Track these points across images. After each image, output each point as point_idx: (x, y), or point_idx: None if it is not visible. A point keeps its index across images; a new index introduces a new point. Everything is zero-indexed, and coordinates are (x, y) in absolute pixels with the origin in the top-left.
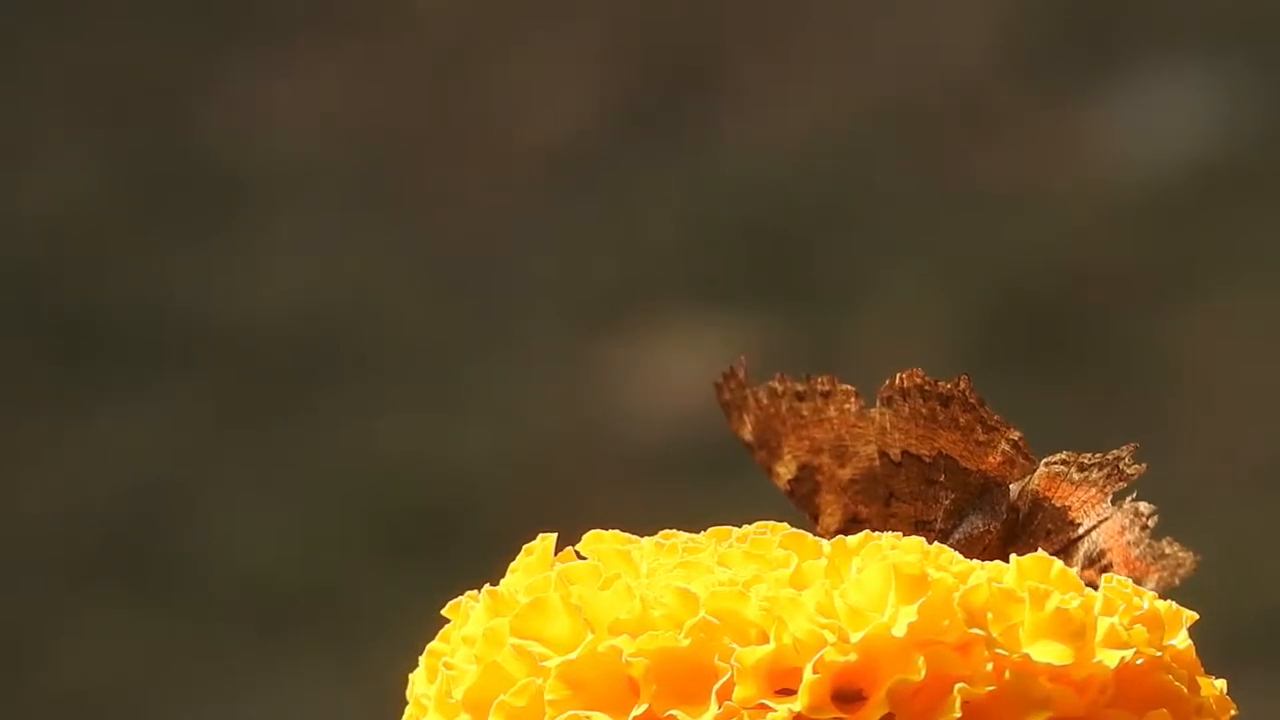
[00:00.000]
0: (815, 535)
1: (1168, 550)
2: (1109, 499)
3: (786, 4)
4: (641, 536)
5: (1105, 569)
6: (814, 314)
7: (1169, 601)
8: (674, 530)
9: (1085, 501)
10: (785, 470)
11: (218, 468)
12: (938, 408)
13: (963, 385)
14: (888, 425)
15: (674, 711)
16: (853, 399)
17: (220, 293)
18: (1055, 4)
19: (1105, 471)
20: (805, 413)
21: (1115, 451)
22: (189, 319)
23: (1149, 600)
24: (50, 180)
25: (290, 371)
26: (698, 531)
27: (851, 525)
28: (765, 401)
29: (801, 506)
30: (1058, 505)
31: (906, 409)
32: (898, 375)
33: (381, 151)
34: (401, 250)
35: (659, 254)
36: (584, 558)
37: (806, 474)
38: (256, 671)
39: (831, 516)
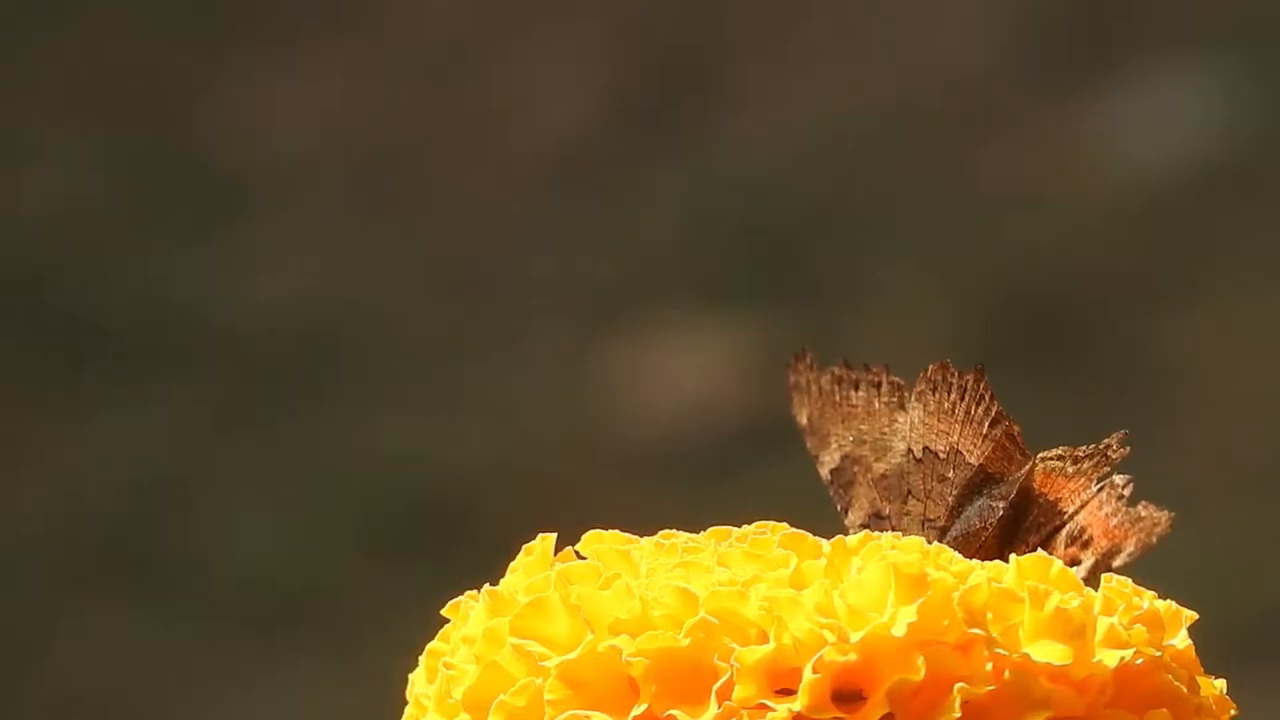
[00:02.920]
0: (825, 533)
1: (1143, 513)
2: (1094, 484)
3: (786, 4)
4: (641, 536)
5: (1086, 544)
6: (814, 314)
7: (1169, 601)
8: (674, 530)
9: (1074, 491)
10: (830, 459)
11: (218, 468)
12: (956, 401)
13: (974, 377)
14: (916, 420)
15: (674, 711)
16: (899, 393)
17: (220, 293)
18: (1055, 4)
19: (1095, 461)
20: (857, 402)
21: (1106, 440)
22: (189, 319)
23: (1149, 600)
24: (50, 180)
25: (290, 371)
26: (698, 531)
27: (874, 521)
28: (826, 387)
29: (836, 497)
30: (1051, 499)
31: (933, 403)
32: (928, 367)
33: (381, 151)
34: (401, 250)
35: (659, 254)
36: (584, 558)
37: (847, 465)
38: (256, 671)
39: (859, 511)
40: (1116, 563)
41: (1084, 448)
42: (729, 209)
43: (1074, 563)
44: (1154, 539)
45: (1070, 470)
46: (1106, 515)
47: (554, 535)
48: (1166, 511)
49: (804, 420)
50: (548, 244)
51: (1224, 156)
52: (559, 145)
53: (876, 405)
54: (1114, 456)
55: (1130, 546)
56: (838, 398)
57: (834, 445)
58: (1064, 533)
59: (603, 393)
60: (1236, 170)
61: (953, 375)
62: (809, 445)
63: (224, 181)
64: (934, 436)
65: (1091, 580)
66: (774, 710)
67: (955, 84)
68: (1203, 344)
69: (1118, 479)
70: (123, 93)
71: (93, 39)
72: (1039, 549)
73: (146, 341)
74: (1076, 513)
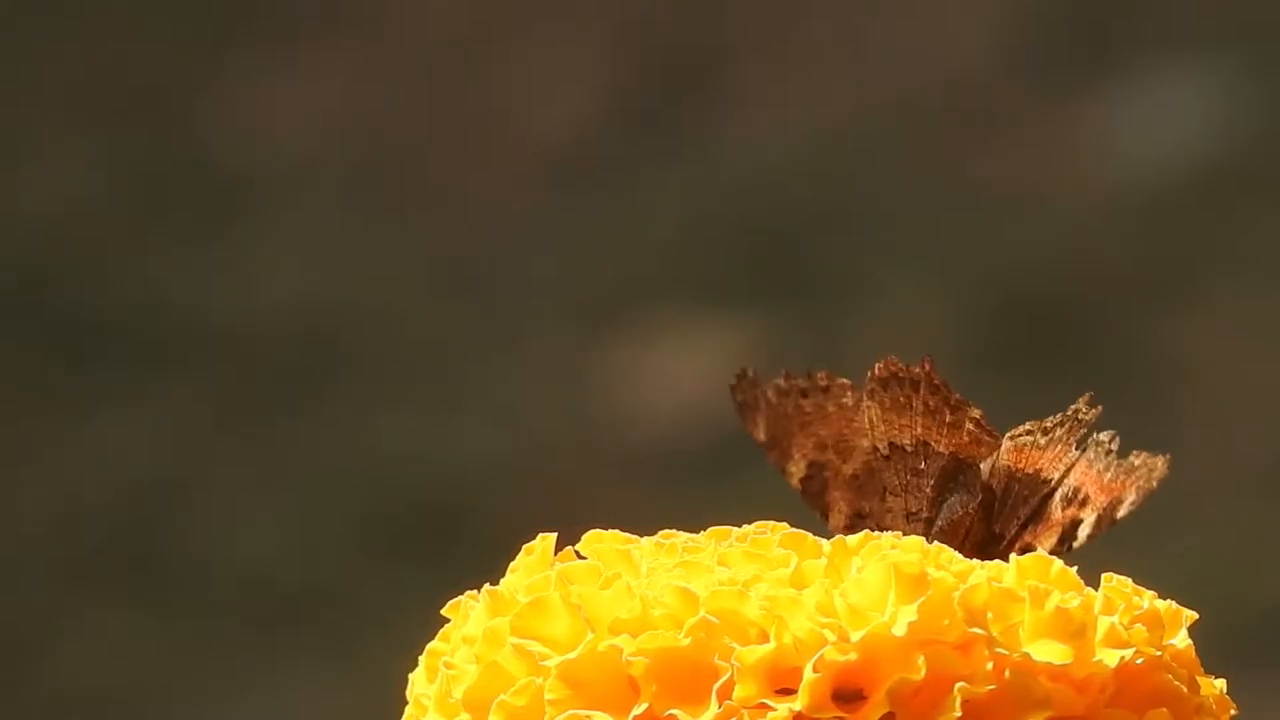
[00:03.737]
0: (825, 533)
1: (1136, 462)
2: (1074, 448)
3: (786, 4)
4: (641, 536)
5: (1083, 503)
6: (814, 314)
7: (1169, 601)
8: (674, 530)
9: (1054, 459)
10: (796, 469)
11: (218, 468)
12: (911, 394)
13: (927, 368)
14: (875, 418)
15: (674, 711)
16: (849, 393)
17: (220, 293)
18: (1055, 4)
19: (1066, 427)
20: (809, 409)
21: (1073, 406)
22: (189, 319)
23: (1149, 599)
24: (50, 180)
25: (290, 372)
26: (697, 531)
27: (856, 521)
28: (774, 400)
29: (813, 505)
30: (1029, 472)
31: (887, 399)
32: (875, 365)
33: (381, 151)
34: (401, 250)
35: (659, 254)
36: (584, 557)
37: (815, 471)
38: (256, 671)
39: (839, 514)
40: (1120, 513)
41: (1052, 417)
42: (729, 209)
43: (1075, 523)
44: (1154, 484)
45: (1042, 441)
46: (1099, 472)
47: (554, 535)
48: (1162, 456)
49: (761, 436)
50: (548, 244)
51: (1224, 156)
52: (559, 145)
53: (829, 409)
54: (1085, 419)
55: (1131, 495)
56: (789, 409)
57: (796, 455)
58: (1057, 496)
59: (603, 393)
60: (1236, 170)
61: (903, 370)
62: (771, 460)
63: (224, 181)
64: (896, 431)
65: (1095, 535)
66: (774, 710)
67: (955, 84)
68: (1203, 344)
69: (1102, 436)
70: (123, 93)
71: (93, 39)
72: (1029, 522)
73: (146, 341)
74: (1064, 476)
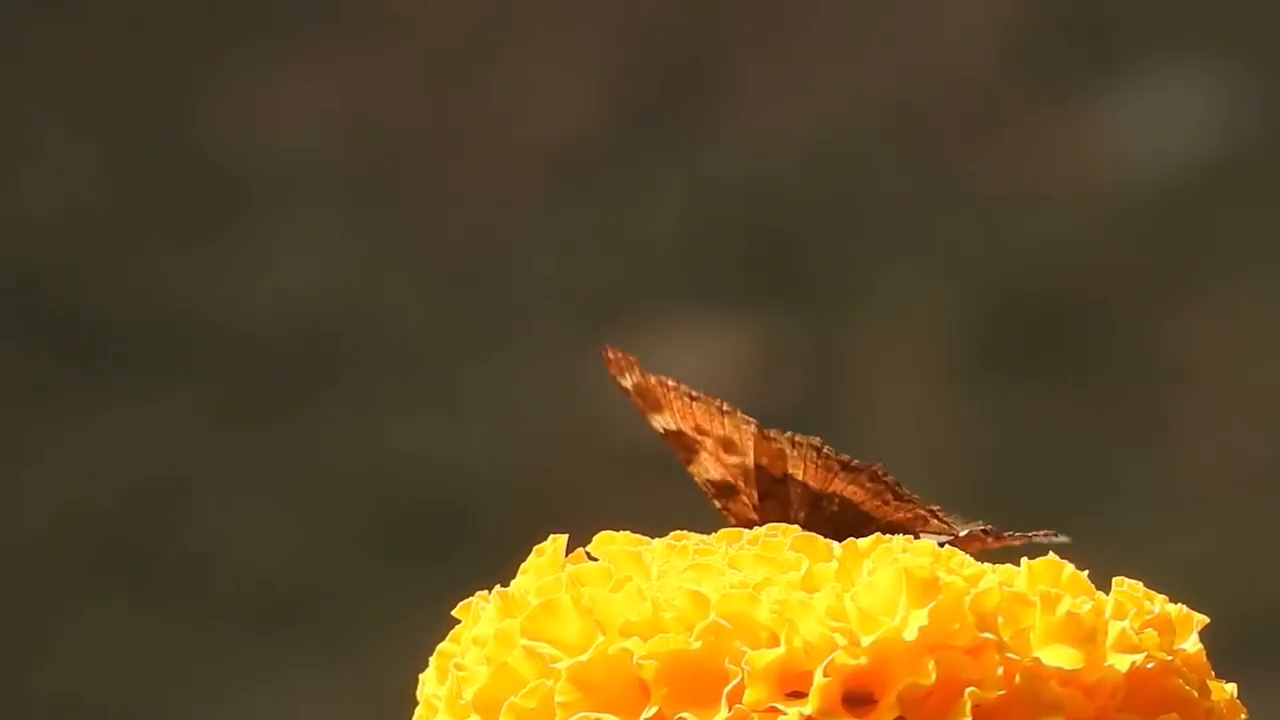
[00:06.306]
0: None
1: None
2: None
3: (786, 4)
4: (643, 536)
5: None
6: (814, 314)
7: (1180, 605)
8: (684, 531)
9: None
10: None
11: (218, 468)
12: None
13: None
14: (788, 451)
15: (684, 714)
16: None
17: (220, 293)
18: (1055, 4)
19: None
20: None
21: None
22: (189, 319)
23: (1160, 604)
24: (50, 180)
25: (290, 372)
26: (700, 532)
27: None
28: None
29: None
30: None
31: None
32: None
33: (381, 151)
34: (401, 250)
35: (659, 254)
36: (595, 559)
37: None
38: (256, 671)
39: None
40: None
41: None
42: (729, 209)
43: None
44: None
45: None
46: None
47: (565, 536)
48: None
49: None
50: (548, 244)
51: (1224, 156)
52: (559, 145)
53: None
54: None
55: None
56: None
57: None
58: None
59: (603, 392)
60: (1237, 170)
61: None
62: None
63: (224, 181)
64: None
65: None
66: (785, 713)
67: (955, 84)
68: (1203, 344)
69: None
70: (123, 93)
71: (93, 39)
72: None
73: (146, 341)
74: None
